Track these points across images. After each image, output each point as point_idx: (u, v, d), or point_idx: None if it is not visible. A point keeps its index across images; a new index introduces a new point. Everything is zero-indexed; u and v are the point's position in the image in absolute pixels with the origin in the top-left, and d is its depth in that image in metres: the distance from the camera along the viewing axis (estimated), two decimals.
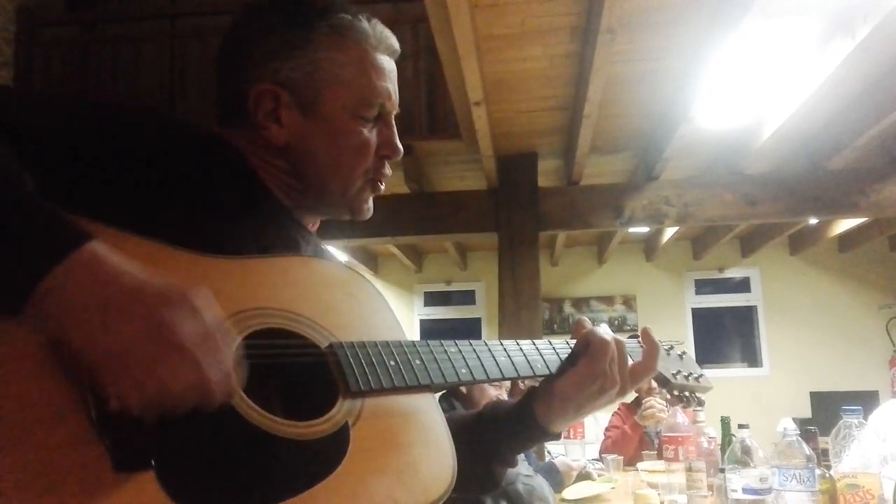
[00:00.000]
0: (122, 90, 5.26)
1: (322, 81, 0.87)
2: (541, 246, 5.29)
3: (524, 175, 5.04)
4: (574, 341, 1.02)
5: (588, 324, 1.03)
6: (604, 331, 0.99)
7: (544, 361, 0.98)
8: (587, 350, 0.96)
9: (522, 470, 2.54)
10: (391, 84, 0.93)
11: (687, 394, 1.17)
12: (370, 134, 0.91)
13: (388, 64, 0.94)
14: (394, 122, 0.95)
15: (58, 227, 0.59)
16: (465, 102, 3.81)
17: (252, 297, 0.74)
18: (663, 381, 1.14)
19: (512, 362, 0.94)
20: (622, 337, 1.05)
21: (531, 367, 0.96)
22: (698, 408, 1.21)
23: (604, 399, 0.98)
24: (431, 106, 4.90)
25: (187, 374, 0.58)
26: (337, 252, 6.69)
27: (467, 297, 8.51)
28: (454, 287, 8.48)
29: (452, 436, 0.83)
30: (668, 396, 1.18)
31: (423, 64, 4.87)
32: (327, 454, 0.70)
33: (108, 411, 0.57)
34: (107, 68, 5.39)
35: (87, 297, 0.57)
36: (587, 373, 0.95)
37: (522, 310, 4.82)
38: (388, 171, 0.96)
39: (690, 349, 7.86)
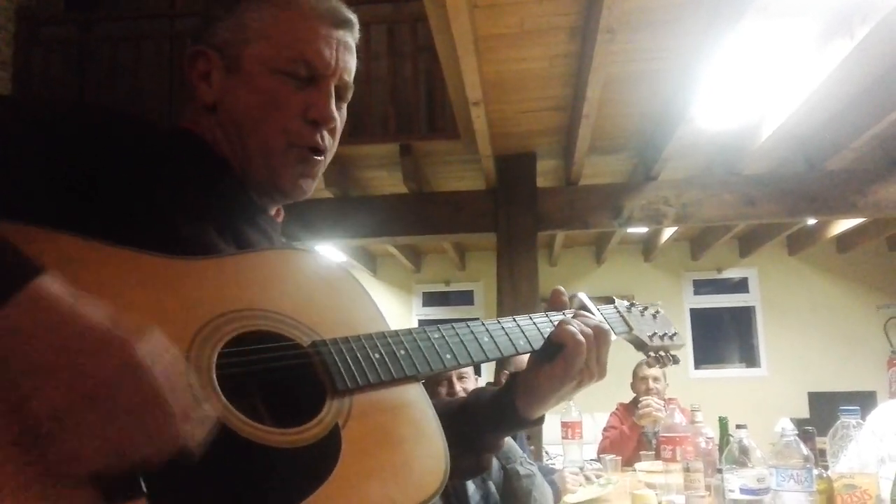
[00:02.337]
0: (120, 90, 5.26)
1: (245, 40, 0.87)
2: (539, 246, 5.29)
3: (523, 175, 5.04)
4: (553, 314, 1.02)
5: (562, 297, 1.04)
6: (579, 327, 0.96)
7: (526, 338, 0.97)
8: (562, 350, 0.95)
9: (521, 453, 2.54)
10: (325, 47, 0.88)
11: (663, 353, 1.17)
12: (291, 93, 0.87)
13: (327, 30, 0.90)
14: (331, 89, 0.90)
15: (8, 258, 0.56)
16: (464, 102, 3.81)
17: (229, 299, 0.72)
18: (640, 345, 1.14)
19: (495, 343, 0.93)
20: (597, 309, 1.06)
21: (514, 346, 0.95)
22: (674, 365, 1.21)
23: (583, 387, 0.99)
24: (430, 106, 4.90)
25: (120, 443, 0.55)
26: (335, 252, 6.69)
27: (466, 298, 8.52)
28: (453, 287, 8.48)
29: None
30: (646, 358, 1.18)
31: (423, 63, 4.87)
32: (320, 460, 0.69)
33: None
34: (105, 68, 5.39)
35: (30, 341, 0.53)
36: (564, 373, 0.95)
37: (521, 310, 4.77)
38: (320, 140, 0.89)
39: (689, 349, 7.89)
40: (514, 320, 0.99)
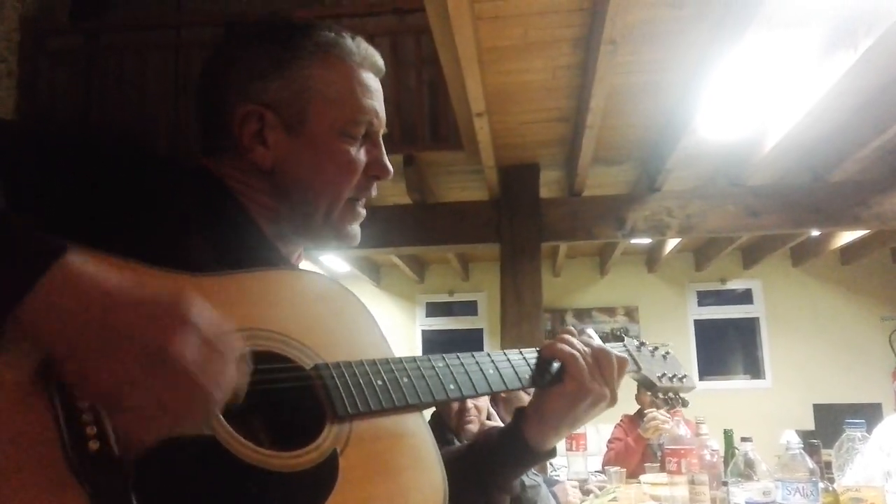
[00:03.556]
0: (126, 100, 5.28)
1: (308, 100, 0.86)
2: (543, 257, 5.28)
3: (526, 186, 5.05)
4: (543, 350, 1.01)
5: (566, 338, 1.01)
6: (568, 341, 0.97)
7: (532, 371, 0.96)
8: (564, 368, 0.95)
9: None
10: (377, 102, 0.91)
11: (672, 395, 1.17)
12: (358, 153, 0.89)
13: (374, 82, 0.92)
14: (381, 142, 0.93)
15: (32, 239, 0.56)
16: (468, 113, 3.81)
17: (232, 317, 0.70)
18: (649, 385, 1.14)
19: (500, 374, 0.93)
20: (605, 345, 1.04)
21: (519, 379, 0.94)
22: (682, 408, 1.20)
23: (597, 410, 0.97)
24: (434, 116, 4.91)
25: (193, 400, 0.57)
26: (339, 262, 6.69)
27: (469, 308, 8.51)
28: (456, 298, 8.47)
29: (448, 470, 0.81)
30: (654, 399, 1.18)
31: (426, 75, 4.88)
32: (316, 485, 0.68)
33: (86, 452, 0.55)
34: (111, 78, 5.40)
35: (74, 318, 0.54)
36: (574, 391, 0.94)
37: (524, 320, 4.81)
38: (374, 191, 0.94)
39: (693, 361, 7.87)
40: (521, 353, 0.98)
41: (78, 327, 0.54)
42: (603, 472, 3.62)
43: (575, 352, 0.95)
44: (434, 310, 8.56)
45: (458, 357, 0.90)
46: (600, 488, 3.09)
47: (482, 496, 0.97)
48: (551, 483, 2.93)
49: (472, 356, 0.92)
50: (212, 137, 0.89)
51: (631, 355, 1.12)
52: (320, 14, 5.28)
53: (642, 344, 1.17)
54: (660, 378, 1.14)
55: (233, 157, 0.87)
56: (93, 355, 0.54)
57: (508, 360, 0.96)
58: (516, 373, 0.95)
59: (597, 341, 1.02)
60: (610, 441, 4.10)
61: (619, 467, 3.39)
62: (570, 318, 8.08)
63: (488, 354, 0.94)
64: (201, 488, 0.63)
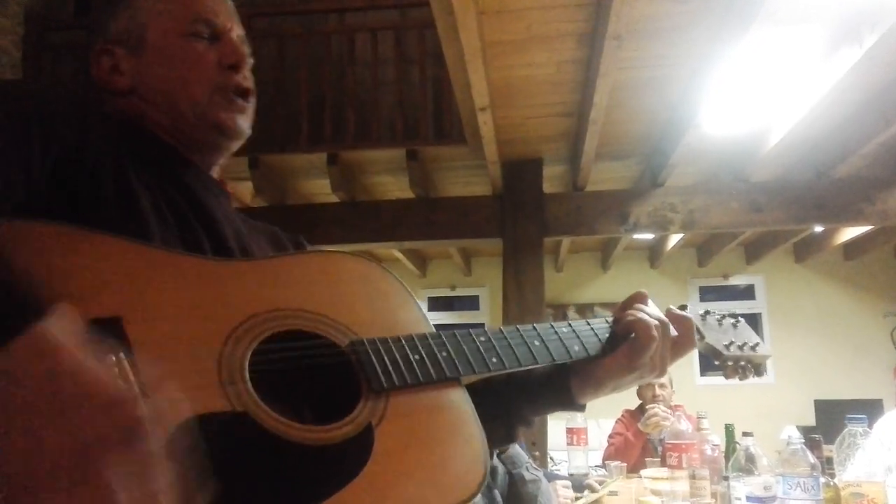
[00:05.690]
0: None
1: (142, 21, 0.91)
2: (545, 252, 5.29)
3: (529, 181, 5.04)
4: (612, 320, 0.99)
5: (641, 304, 0.99)
6: (651, 320, 0.94)
7: (582, 344, 0.94)
8: (630, 340, 0.93)
9: (527, 458, 2.52)
10: (219, 8, 0.95)
11: (743, 363, 1.11)
12: (204, 49, 0.92)
13: None
14: (232, 37, 0.95)
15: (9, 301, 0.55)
16: (471, 108, 3.81)
17: (266, 299, 0.74)
18: (715, 354, 1.09)
19: (547, 348, 0.90)
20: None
21: (568, 352, 0.91)
22: (756, 377, 1.15)
23: (642, 381, 0.96)
24: (437, 111, 4.91)
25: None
26: None
27: (471, 303, 8.52)
28: (458, 292, 8.48)
29: (476, 392, 0.81)
30: (723, 368, 1.12)
31: (430, 70, 4.88)
32: (350, 458, 0.68)
33: None
34: None
35: (21, 390, 0.46)
36: (627, 364, 0.93)
37: (526, 315, 4.81)
38: (243, 80, 0.94)
39: (695, 356, 7.87)
40: (570, 325, 0.95)
41: (23, 392, 0.47)
42: (604, 466, 3.63)
43: (654, 335, 0.93)
44: (436, 304, 8.57)
45: (502, 330, 0.89)
46: (600, 483, 3.10)
47: (503, 426, 0.97)
48: (550, 478, 2.94)
49: (517, 329, 0.90)
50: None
51: (693, 323, 1.08)
52: (324, 7, 5.27)
53: (707, 312, 1.13)
54: (727, 346, 1.09)
55: (103, 103, 0.93)
56: (19, 420, 0.47)
57: (556, 331, 0.93)
58: (564, 344, 0.92)
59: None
60: (610, 436, 4.10)
61: (619, 462, 3.39)
62: (572, 314, 8.08)
63: (534, 326, 0.92)
64: (232, 463, 0.63)
